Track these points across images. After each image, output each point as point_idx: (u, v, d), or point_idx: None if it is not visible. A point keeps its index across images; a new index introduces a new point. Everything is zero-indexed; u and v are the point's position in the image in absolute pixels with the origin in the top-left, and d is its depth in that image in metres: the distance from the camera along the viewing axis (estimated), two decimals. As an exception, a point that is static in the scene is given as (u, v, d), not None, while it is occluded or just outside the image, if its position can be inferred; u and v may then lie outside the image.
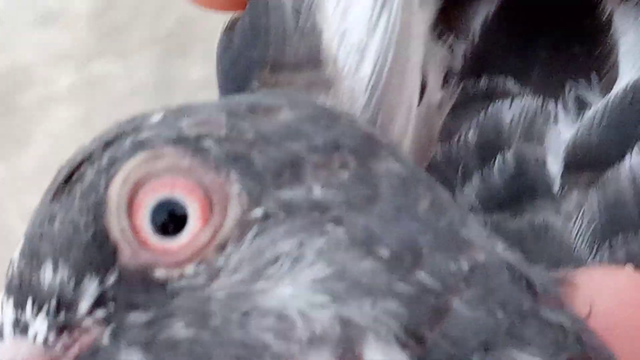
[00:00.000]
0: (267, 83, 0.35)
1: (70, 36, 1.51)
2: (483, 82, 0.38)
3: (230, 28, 0.38)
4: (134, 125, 0.32)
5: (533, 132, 0.37)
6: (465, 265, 0.31)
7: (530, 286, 0.31)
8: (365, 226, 0.30)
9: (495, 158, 0.36)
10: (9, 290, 0.31)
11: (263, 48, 0.35)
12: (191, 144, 0.31)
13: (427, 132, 0.37)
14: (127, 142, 0.31)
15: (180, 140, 0.31)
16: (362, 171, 0.31)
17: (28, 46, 1.51)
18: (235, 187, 0.30)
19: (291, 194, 0.30)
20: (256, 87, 0.36)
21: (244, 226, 0.30)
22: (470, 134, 0.37)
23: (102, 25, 1.51)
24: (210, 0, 0.39)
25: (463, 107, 0.38)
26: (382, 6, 0.35)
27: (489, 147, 0.37)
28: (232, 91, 0.37)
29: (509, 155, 0.36)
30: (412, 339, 0.30)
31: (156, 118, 0.32)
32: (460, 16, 0.39)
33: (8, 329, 0.31)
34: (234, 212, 0.30)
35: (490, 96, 0.38)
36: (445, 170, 0.36)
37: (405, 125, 0.36)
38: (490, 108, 0.37)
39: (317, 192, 0.30)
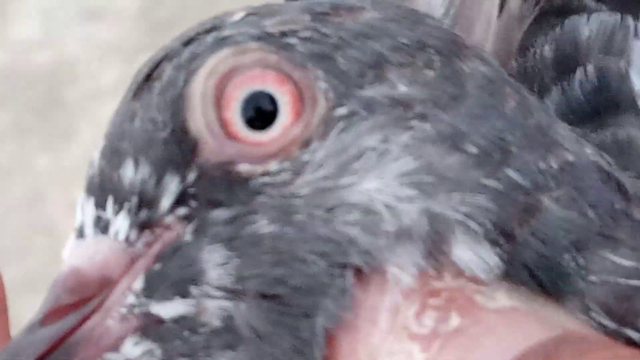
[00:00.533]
0: None
1: (116, 31, 1.52)
2: None
3: None
4: (215, 23, 0.31)
5: (612, 46, 0.36)
6: (554, 165, 0.30)
7: (621, 189, 0.31)
8: (452, 123, 0.30)
9: (575, 71, 0.36)
10: (89, 189, 0.31)
11: None
12: (276, 40, 0.30)
13: (506, 45, 0.37)
14: (209, 39, 0.31)
15: (265, 37, 0.30)
16: (447, 70, 0.31)
17: (74, 41, 1.53)
18: (321, 84, 0.30)
19: (374, 91, 0.30)
20: None
21: (328, 123, 0.30)
22: (546, 49, 0.37)
23: (149, 20, 1.52)
24: None
25: (537, 21, 0.38)
26: None
27: (567, 61, 0.36)
28: None
29: (590, 68, 0.36)
30: (501, 236, 0.29)
31: (238, 17, 0.31)
32: None
33: (89, 227, 0.30)
34: (320, 109, 0.30)
35: (566, 11, 0.37)
36: (521, 84, 0.36)
37: (484, 37, 0.36)
38: (566, 23, 0.37)
39: (402, 89, 0.30)
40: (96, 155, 0.31)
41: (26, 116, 1.49)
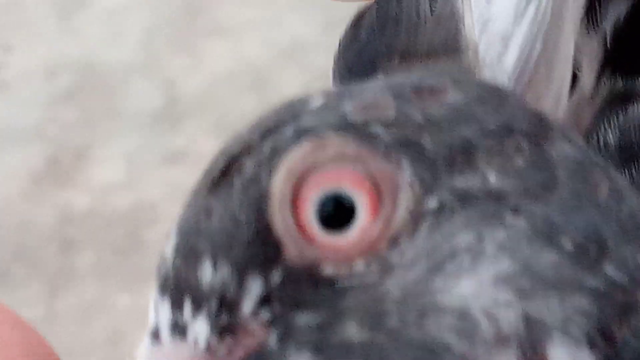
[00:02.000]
0: (396, 72, 0.33)
1: (196, 174, 1.54)
2: (619, 82, 0.35)
3: (356, 23, 0.35)
4: (293, 111, 0.29)
5: None
6: None
7: None
8: (546, 216, 0.28)
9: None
10: (164, 289, 0.29)
11: (392, 37, 0.33)
12: (358, 131, 0.28)
13: (576, 125, 0.35)
14: (289, 131, 0.29)
15: (346, 127, 0.28)
16: (536, 156, 0.29)
17: (154, 184, 1.55)
18: (406, 175, 0.28)
19: (465, 182, 0.28)
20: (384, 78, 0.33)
21: (417, 218, 0.28)
22: (610, 135, 0.34)
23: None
24: None
25: (598, 107, 0.35)
26: None
27: (632, 149, 0.34)
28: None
29: None
30: (600, 338, 0.27)
31: (317, 102, 0.29)
32: (590, 15, 0.36)
33: (166, 331, 0.28)
34: (405, 202, 0.28)
35: (628, 97, 0.35)
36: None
37: (553, 116, 0.34)
38: (630, 109, 0.34)
39: (493, 179, 0.28)
40: (169, 251, 0.29)
41: (107, 257, 1.52)
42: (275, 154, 0.28)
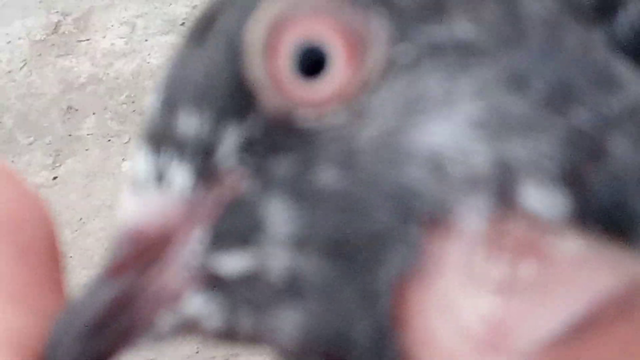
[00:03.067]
0: None
1: (197, 41, 1.54)
2: None
3: None
4: None
5: None
6: (619, 104, 0.29)
7: None
8: (516, 62, 0.28)
9: (619, 11, 0.33)
10: (146, 139, 0.29)
11: None
12: None
13: None
14: None
15: None
16: (508, 7, 0.29)
17: (156, 51, 1.55)
18: (378, 23, 0.28)
19: (436, 30, 0.28)
20: None
21: (388, 64, 0.28)
22: None
23: (228, 30, 1.54)
24: None
25: None
26: None
27: (605, 1, 0.34)
28: None
29: (635, 10, 0.33)
30: (570, 179, 0.28)
31: None
32: None
33: (147, 179, 0.28)
34: (378, 49, 0.28)
35: None
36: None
37: None
38: None
39: (464, 28, 0.28)
40: (152, 101, 0.29)
41: (110, 123, 1.52)
42: (250, 4, 0.29)
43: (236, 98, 0.28)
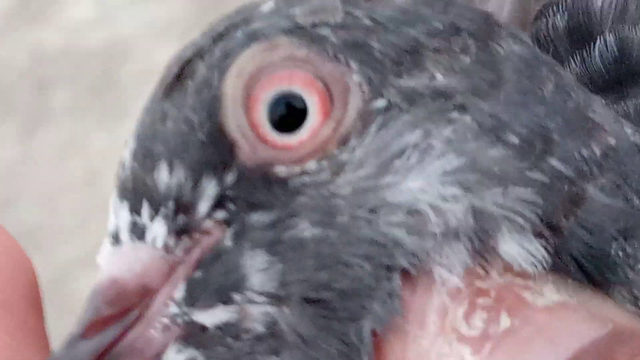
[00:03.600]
0: None
1: (169, 10, 1.53)
2: None
3: None
4: (244, 15, 0.30)
5: (626, 17, 0.35)
6: (597, 150, 0.29)
7: None
8: (492, 112, 0.29)
9: (592, 41, 0.35)
10: (122, 193, 0.29)
11: None
12: (307, 33, 0.29)
13: (523, 15, 0.36)
14: (239, 34, 0.29)
15: (295, 30, 0.29)
16: (483, 55, 0.29)
17: (127, 21, 1.54)
18: (355, 77, 0.29)
19: (413, 82, 0.29)
20: None
21: (366, 118, 0.28)
22: (558, 18, 0.35)
23: (199, 0, 1.53)
24: None
25: None
26: None
27: (580, 31, 0.35)
28: None
29: (610, 37, 0.35)
30: (547, 228, 0.28)
31: (267, 7, 0.30)
32: None
33: (124, 233, 0.29)
34: (355, 103, 0.28)
35: None
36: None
37: (500, 7, 0.35)
38: None
39: (440, 78, 0.29)
40: (127, 156, 0.29)
41: (81, 96, 1.51)
42: (227, 56, 0.29)
43: (215, 152, 0.29)
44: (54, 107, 1.51)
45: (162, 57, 1.36)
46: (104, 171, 1.44)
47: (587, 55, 0.35)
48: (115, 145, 1.46)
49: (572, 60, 0.35)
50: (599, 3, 0.36)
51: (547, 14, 0.36)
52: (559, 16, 0.35)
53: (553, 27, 0.35)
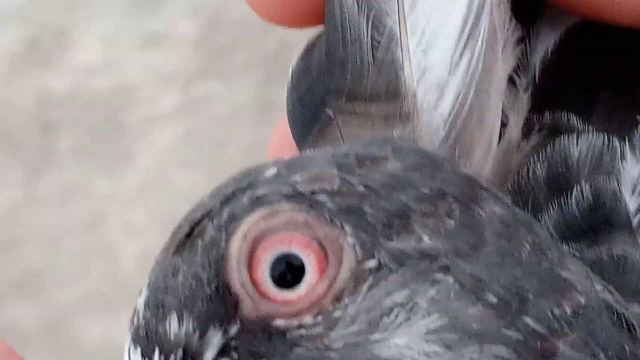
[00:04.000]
0: (343, 112, 0.36)
1: (175, 57, 1.54)
2: (546, 117, 0.39)
3: (306, 54, 0.39)
4: (250, 180, 0.33)
5: (601, 167, 0.38)
6: (568, 309, 0.32)
7: (630, 328, 0.32)
8: (473, 273, 0.31)
9: (570, 191, 0.37)
10: (136, 339, 0.32)
11: (340, 77, 0.36)
12: (306, 200, 0.32)
13: (504, 169, 0.38)
14: (245, 199, 0.32)
15: (296, 196, 0.32)
16: (466, 218, 0.32)
17: (134, 67, 1.55)
18: (349, 239, 0.32)
19: (402, 244, 0.32)
20: (332, 114, 0.37)
21: (358, 277, 0.31)
22: (538, 167, 0.38)
23: (207, 47, 1.54)
24: (274, 14, 0.39)
25: (527, 140, 0.39)
26: (464, 47, 0.35)
27: (558, 180, 0.38)
28: (306, 117, 0.38)
29: (587, 187, 0.37)
30: None
31: (270, 173, 0.33)
32: (521, 52, 0.39)
33: None
34: (348, 263, 0.31)
35: (555, 131, 0.39)
36: (515, 202, 0.37)
37: (483, 162, 0.37)
38: (556, 142, 0.38)
39: (426, 240, 0.32)
40: (140, 304, 0.33)
41: (86, 140, 1.52)
42: (233, 219, 0.32)
43: (221, 306, 0.32)
44: (59, 150, 1.52)
45: (167, 103, 1.37)
46: (106, 215, 1.44)
47: (564, 203, 0.37)
48: (118, 190, 1.47)
49: (550, 207, 0.37)
50: (576, 154, 0.38)
51: (528, 162, 0.38)
52: (539, 164, 0.38)
53: (533, 175, 0.38)
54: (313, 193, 0.32)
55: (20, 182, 1.50)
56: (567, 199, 0.37)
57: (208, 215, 0.33)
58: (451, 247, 0.32)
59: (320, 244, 0.31)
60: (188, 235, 0.33)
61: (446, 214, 0.32)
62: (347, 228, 0.31)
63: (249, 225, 0.32)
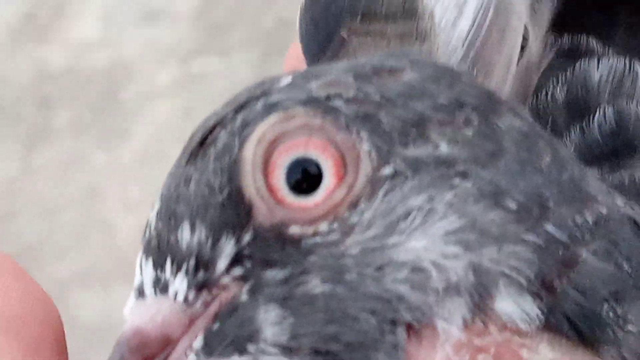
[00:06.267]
0: (357, 32, 0.36)
1: (173, 33, 1.54)
2: (566, 40, 0.39)
3: None
4: (264, 89, 0.32)
5: (622, 91, 0.37)
6: (590, 219, 0.31)
7: None
8: (492, 180, 0.31)
9: (591, 114, 0.37)
10: (148, 250, 0.32)
11: None
12: (322, 104, 0.31)
13: (524, 89, 0.38)
14: (259, 105, 0.31)
15: (311, 101, 0.31)
16: (485, 127, 0.32)
17: (131, 43, 1.55)
18: (365, 146, 0.31)
19: (418, 151, 0.31)
20: (346, 36, 0.36)
21: (374, 183, 0.31)
22: (557, 91, 0.38)
23: (205, 22, 1.54)
24: None
25: (546, 63, 0.38)
26: None
27: (578, 104, 0.37)
28: (320, 41, 0.37)
29: (609, 110, 0.37)
30: (542, 288, 0.30)
31: (285, 82, 0.32)
32: None
33: (148, 287, 0.31)
34: (365, 169, 0.31)
35: (575, 55, 0.38)
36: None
37: (502, 82, 0.36)
38: (577, 66, 0.38)
39: (443, 148, 0.31)
40: (152, 216, 0.32)
41: (83, 114, 1.52)
42: (247, 125, 0.31)
43: (234, 213, 0.31)
44: (56, 124, 1.52)
45: (164, 79, 1.37)
46: (103, 190, 1.44)
47: (586, 127, 0.37)
48: (115, 165, 1.47)
49: (571, 131, 0.37)
50: (597, 77, 0.37)
51: (547, 85, 0.38)
52: (558, 89, 0.37)
53: (552, 99, 0.37)
54: (328, 98, 0.31)
55: (17, 156, 1.50)
56: (589, 123, 0.37)
57: (221, 122, 0.32)
58: (469, 155, 0.31)
59: (338, 148, 0.31)
60: (201, 144, 0.32)
61: (464, 123, 0.31)
62: (364, 135, 0.31)
63: (263, 129, 0.31)
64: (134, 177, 1.43)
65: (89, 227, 1.41)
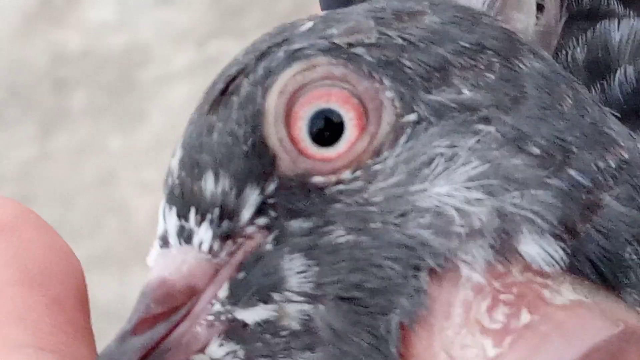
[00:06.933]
0: None
1: (189, 15, 1.54)
2: (586, 1, 0.38)
3: None
4: (285, 35, 0.32)
5: None
6: (612, 163, 0.31)
7: None
8: (515, 125, 0.31)
9: (612, 74, 0.37)
10: (171, 199, 0.31)
11: None
12: (344, 53, 0.31)
13: (545, 48, 0.37)
14: (281, 53, 0.31)
15: (332, 49, 0.31)
16: (507, 71, 0.31)
17: (148, 24, 1.55)
18: (388, 93, 0.31)
19: (441, 97, 0.31)
20: None
21: (397, 131, 0.31)
22: (577, 51, 0.37)
23: (220, 6, 1.54)
24: None
25: (567, 24, 0.38)
26: None
27: (599, 64, 0.37)
28: (342, 2, 0.37)
29: (630, 70, 0.37)
30: (565, 231, 0.30)
31: (306, 27, 0.32)
32: None
33: (172, 237, 0.31)
34: (388, 117, 0.31)
35: (595, 16, 0.38)
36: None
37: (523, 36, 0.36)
38: (597, 27, 0.38)
39: (466, 93, 0.31)
40: (174, 164, 0.32)
41: (100, 97, 1.52)
42: (269, 74, 0.31)
43: (257, 163, 0.31)
44: (72, 107, 1.52)
45: (180, 61, 1.37)
46: (119, 173, 1.44)
47: (607, 86, 0.36)
48: (131, 148, 1.47)
49: (592, 91, 0.37)
50: (617, 38, 0.37)
51: (567, 46, 0.38)
52: (578, 49, 0.37)
53: (572, 59, 0.37)
54: (350, 45, 0.31)
55: (33, 140, 1.50)
56: (610, 83, 0.36)
57: (243, 71, 0.31)
58: (492, 100, 0.31)
59: (359, 98, 0.31)
60: (223, 93, 0.31)
61: (486, 67, 0.31)
62: (386, 81, 0.31)
63: (285, 80, 0.31)
64: (150, 160, 1.44)
65: (105, 210, 1.41)
